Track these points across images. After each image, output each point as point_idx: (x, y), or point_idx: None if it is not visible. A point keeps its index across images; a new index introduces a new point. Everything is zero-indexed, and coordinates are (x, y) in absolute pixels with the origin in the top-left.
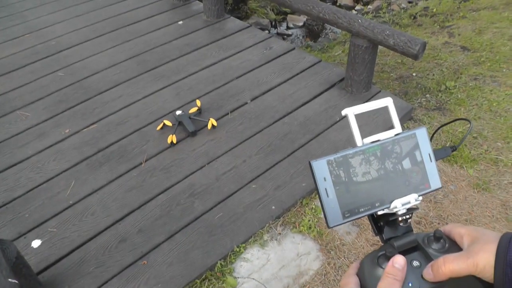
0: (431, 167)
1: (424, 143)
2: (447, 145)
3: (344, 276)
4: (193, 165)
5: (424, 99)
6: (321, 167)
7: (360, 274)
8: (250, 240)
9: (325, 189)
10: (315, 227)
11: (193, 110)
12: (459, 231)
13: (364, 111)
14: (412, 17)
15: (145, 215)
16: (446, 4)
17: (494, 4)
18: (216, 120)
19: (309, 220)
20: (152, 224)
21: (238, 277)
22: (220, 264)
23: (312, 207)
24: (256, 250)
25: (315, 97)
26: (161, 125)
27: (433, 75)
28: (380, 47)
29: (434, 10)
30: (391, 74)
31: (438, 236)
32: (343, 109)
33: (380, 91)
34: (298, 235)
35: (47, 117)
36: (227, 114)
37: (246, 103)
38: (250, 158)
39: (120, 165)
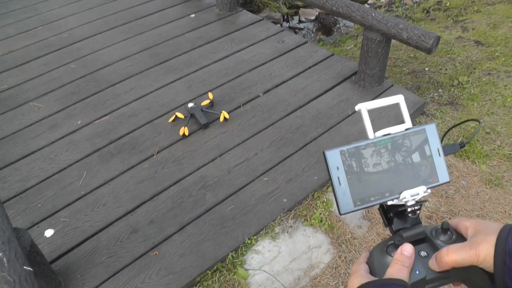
0: (440, 162)
1: (433, 138)
2: (458, 141)
3: (355, 264)
4: (205, 157)
5: (436, 94)
6: (334, 156)
7: (369, 262)
8: (261, 233)
9: (338, 177)
10: (326, 220)
11: (205, 102)
12: (465, 224)
13: (376, 106)
14: (425, 11)
15: (156, 207)
16: None
17: None
18: (228, 113)
19: (320, 214)
20: (163, 215)
21: (249, 269)
22: (232, 256)
23: (324, 201)
24: (267, 243)
25: (327, 90)
26: (173, 117)
27: (446, 69)
28: (392, 41)
29: (448, 4)
30: (404, 69)
31: (445, 228)
32: (355, 103)
33: (392, 85)
34: (310, 228)
35: (59, 108)
36: (239, 107)
37: (259, 96)
38: (262, 151)
39: (131, 157)
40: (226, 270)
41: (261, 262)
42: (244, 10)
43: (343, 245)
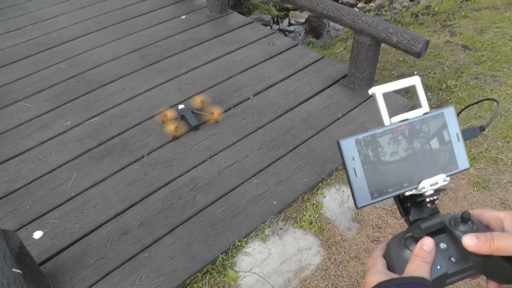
0: (459, 147)
1: (452, 123)
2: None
3: (371, 258)
4: (195, 159)
5: None
6: (349, 146)
7: (386, 255)
8: (251, 235)
9: (354, 168)
10: (316, 223)
11: (196, 104)
12: (497, 215)
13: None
14: (414, 16)
15: (147, 208)
16: (448, 3)
17: (496, 4)
18: (218, 120)
19: (310, 216)
20: (153, 217)
21: (239, 271)
22: (222, 258)
23: (314, 203)
24: (257, 245)
25: (317, 93)
26: (164, 117)
27: (435, 73)
28: (382, 44)
29: (436, 9)
30: (393, 72)
31: (466, 218)
32: (345, 106)
33: None
34: (299, 230)
35: (49, 108)
36: (230, 109)
37: (249, 98)
38: (253, 153)
39: (122, 158)
40: (216, 272)
41: (251, 264)
42: (235, 12)
43: (333, 247)
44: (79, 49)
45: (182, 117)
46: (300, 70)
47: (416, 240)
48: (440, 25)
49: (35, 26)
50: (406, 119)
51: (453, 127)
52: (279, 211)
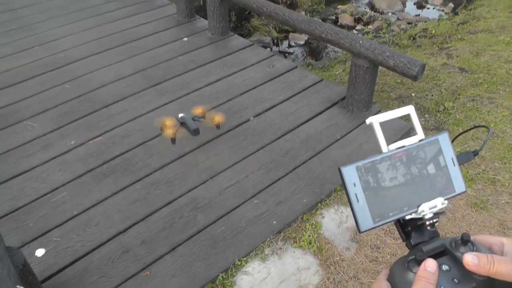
0: (455, 172)
1: (446, 148)
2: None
3: (375, 282)
4: (196, 179)
5: (423, 119)
6: (350, 173)
7: (390, 279)
8: (251, 254)
9: (355, 194)
10: (315, 243)
11: (197, 112)
12: (500, 240)
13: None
14: (412, 38)
15: (148, 227)
16: (444, 26)
17: (491, 27)
18: (219, 136)
19: (309, 236)
20: (155, 236)
21: None
22: (222, 277)
23: (313, 223)
24: (257, 264)
25: (316, 115)
26: (163, 123)
27: (432, 95)
28: (380, 67)
29: (433, 31)
30: (391, 94)
31: (465, 240)
32: (344, 127)
33: (380, 110)
34: (299, 250)
35: (53, 128)
36: (230, 130)
37: (249, 119)
38: (253, 173)
39: (124, 178)
40: None
41: (250, 283)
42: (236, 35)
43: (331, 267)
44: (84, 70)
45: (182, 124)
46: (299, 92)
47: (418, 262)
48: (437, 48)
49: (42, 47)
50: (403, 146)
51: (448, 152)
52: (279, 231)
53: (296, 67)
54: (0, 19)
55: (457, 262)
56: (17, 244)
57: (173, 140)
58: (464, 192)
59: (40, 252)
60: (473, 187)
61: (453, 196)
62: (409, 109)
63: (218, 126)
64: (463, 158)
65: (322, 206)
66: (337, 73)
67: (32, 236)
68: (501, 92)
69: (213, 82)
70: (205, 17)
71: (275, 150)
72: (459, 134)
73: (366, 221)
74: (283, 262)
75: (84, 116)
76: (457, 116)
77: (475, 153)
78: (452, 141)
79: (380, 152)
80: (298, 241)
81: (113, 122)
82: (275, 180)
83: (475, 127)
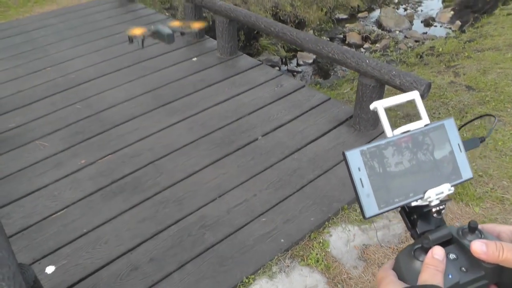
0: (461, 158)
1: (453, 134)
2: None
3: (381, 270)
4: (205, 198)
5: None
6: (355, 157)
7: (396, 268)
8: (259, 272)
9: (360, 179)
10: (322, 261)
11: (174, 24)
12: (509, 228)
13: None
14: (419, 56)
15: (157, 245)
16: (451, 44)
17: (498, 45)
18: (227, 155)
19: (317, 254)
20: (163, 254)
21: None
22: None
23: (320, 241)
24: (264, 282)
25: (324, 134)
26: (129, 32)
27: (439, 113)
28: (387, 85)
29: (440, 49)
30: (398, 112)
31: (473, 227)
32: (351, 146)
33: None
34: (306, 268)
35: (64, 147)
36: (239, 149)
37: (257, 139)
38: (261, 192)
39: (133, 196)
40: None
41: None
42: (244, 54)
43: (339, 285)
44: (94, 90)
45: (154, 33)
46: (307, 111)
47: (425, 250)
48: (444, 66)
49: (54, 68)
50: (408, 131)
51: (455, 138)
52: (286, 249)
53: (303, 86)
54: (14, 41)
55: (465, 251)
56: (28, 261)
57: (130, 39)
58: (471, 178)
59: (50, 269)
60: (481, 205)
61: (460, 183)
62: (414, 95)
63: (197, 33)
64: (470, 144)
65: (329, 225)
66: (345, 91)
67: (42, 253)
68: (508, 110)
69: (222, 101)
70: (214, 37)
71: (283, 169)
72: (466, 123)
73: (371, 207)
74: (290, 280)
75: (94, 135)
76: (465, 134)
77: (482, 139)
78: (459, 130)
79: (385, 137)
80: (305, 259)
81: (123, 142)
82: (283, 198)
83: (481, 116)
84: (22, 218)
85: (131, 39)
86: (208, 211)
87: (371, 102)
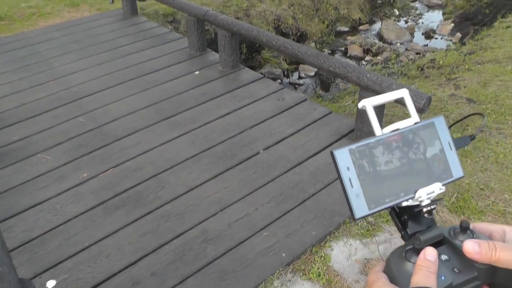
0: (452, 156)
1: (443, 132)
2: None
3: (371, 273)
4: (206, 212)
5: None
6: (343, 156)
7: (387, 270)
8: (260, 286)
9: (349, 179)
10: (324, 275)
11: None
12: (502, 228)
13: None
14: (420, 69)
15: (158, 259)
16: (452, 57)
17: (498, 58)
18: (229, 169)
19: (318, 268)
20: (165, 268)
21: None
22: None
23: (322, 255)
24: None
25: (325, 147)
26: None
27: None
28: None
29: (441, 62)
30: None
31: (465, 227)
32: None
33: None
34: (308, 282)
35: (66, 161)
36: (241, 163)
37: (259, 152)
38: (262, 206)
39: (135, 210)
40: None
41: None
42: (246, 68)
43: None
44: (97, 104)
45: None
46: (308, 124)
47: (417, 251)
48: (445, 78)
49: (57, 81)
50: (397, 129)
51: (445, 136)
52: (288, 263)
53: (305, 99)
54: (19, 54)
55: (457, 251)
56: (29, 275)
57: None
58: (461, 177)
59: (51, 284)
60: (483, 219)
61: (451, 181)
62: (403, 92)
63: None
64: (460, 142)
65: (331, 239)
66: (346, 104)
67: (44, 267)
68: (509, 122)
69: (224, 115)
70: (216, 50)
71: (284, 182)
72: (455, 122)
73: (361, 208)
74: None
75: (97, 149)
76: (466, 147)
77: (472, 137)
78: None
79: (374, 135)
80: (307, 273)
81: (125, 155)
82: (285, 212)
83: (471, 115)
84: (24, 231)
85: None
86: (209, 225)
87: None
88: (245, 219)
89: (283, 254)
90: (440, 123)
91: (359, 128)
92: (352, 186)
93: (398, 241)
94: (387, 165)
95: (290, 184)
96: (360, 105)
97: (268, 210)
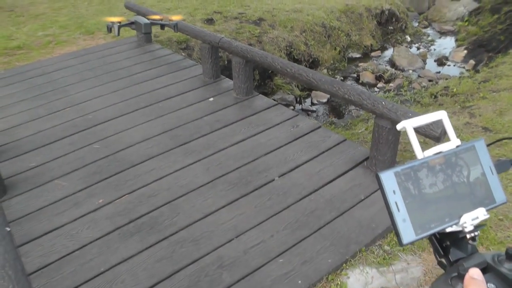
0: (494, 181)
1: (483, 155)
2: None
3: None
4: (222, 238)
5: None
6: (389, 179)
7: None
8: None
9: (396, 202)
10: None
11: (153, 16)
12: None
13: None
14: (433, 96)
15: (173, 285)
16: (466, 84)
17: None
18: (244, 196)
19: None
20: None
21: None
22: None
23: (338, 283)
24: None
25: (340, 175)
26: (110, 19)
27: None
28: None
29: (454, 90)
30: (414, 153)
31: (511, 254)
32: (368, 187)
33: None
34: None
35: (82, 187)
36: (255, 190)
37: (274, 179)
38: (278, 233)
39: (150, 236)
40: None
41: None
42: (260, 95)
43: None
44: (112, 131)
45: (132, 23)
46: (323, 152)
47: (462, 278)
48: (459, 106)
49: (73, 108)
50: (440, 152)
51: (486, 160)
52: None
53: (320, 127)
54: (36, 82)
55: (503, 279)
56: None
57: (109, 28)
58: (505, 202)
59: None
60: (502, 250)
61: (494, 207)
62: (442, 114)
63: (175, 27)
64: (501, 167)
65: (347, 267)
66: (359, 131)
67: None
68: None
69: (239, 141)
70: (230, 77)
71: (299, 210)
72: (491, 143)
73: (408, 233)
74: None
75: (112, 175)
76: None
77: None
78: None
79: (416, 158)
80: None
81: (140, 182)
82: (300, 239)
83: (504, 139)
84: (40, 256)
85: (109, 28)
86: (225, 251)
87: (387, 143)
88: (260, 246)
89: (299, 281)
90: (480, 146)
91: (374, 156)
92: (398, 210)
93: (415, 270)
94: (431, 187)
95: (305, 211)
96: (399, 126)
97: (284, 237)
